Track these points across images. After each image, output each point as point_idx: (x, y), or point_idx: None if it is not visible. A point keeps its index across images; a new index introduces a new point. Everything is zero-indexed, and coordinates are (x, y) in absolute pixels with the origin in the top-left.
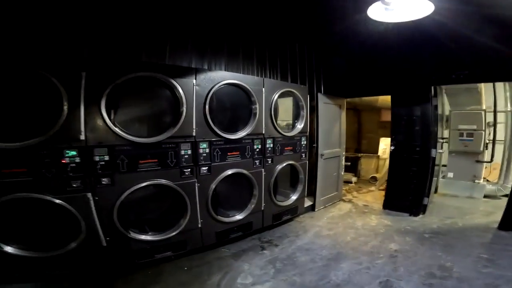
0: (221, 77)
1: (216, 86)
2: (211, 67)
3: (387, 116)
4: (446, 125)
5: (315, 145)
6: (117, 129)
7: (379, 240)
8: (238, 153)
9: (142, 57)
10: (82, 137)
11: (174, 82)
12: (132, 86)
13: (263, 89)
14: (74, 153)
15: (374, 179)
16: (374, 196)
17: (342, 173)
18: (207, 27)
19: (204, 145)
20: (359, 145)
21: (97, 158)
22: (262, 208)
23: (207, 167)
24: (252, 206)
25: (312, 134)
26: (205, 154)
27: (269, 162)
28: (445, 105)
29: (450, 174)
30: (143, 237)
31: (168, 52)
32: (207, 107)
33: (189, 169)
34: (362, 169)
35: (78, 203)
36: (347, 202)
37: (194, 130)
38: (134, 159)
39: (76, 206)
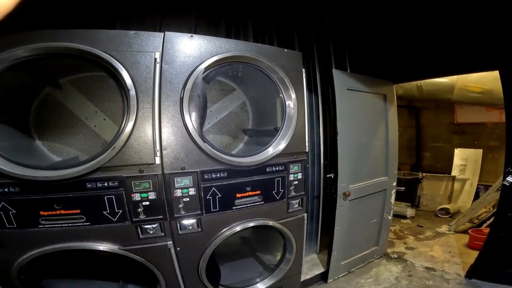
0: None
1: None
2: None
3: (465, 116)
4: None
5: (331, 175)
6: None
7: None
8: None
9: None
10: None
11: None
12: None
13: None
14: None
15: (446, 212)
16: (447, 246)
17: (390, 217)
18: None
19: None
20: (418, 159)
21: None
22: None
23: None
24: None
25: (326, 153)
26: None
27: (189, 226)
28: None
29: None
30: None
31: None
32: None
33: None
34: (424, 196)
35: None
36: (394, 260)
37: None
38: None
39: None
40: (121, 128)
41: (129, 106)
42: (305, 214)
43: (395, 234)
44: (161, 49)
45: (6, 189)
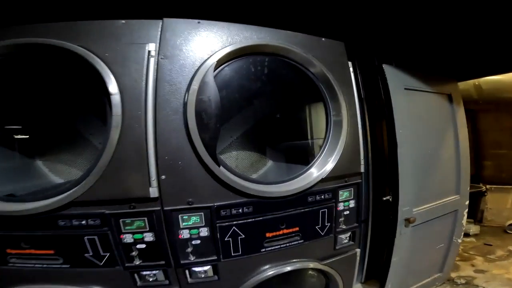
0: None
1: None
2: None
3: None
4: None
5: (389, 197)
6: None
7: None
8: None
9: None
10: None
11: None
12: None
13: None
14: None
15: None
16: None
17: (460, 240)
18: None
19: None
20: (478, 169)
21: None
22: None
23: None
24: None
25: (376, 169)
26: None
27: (201, 274)
28: None
29: None
30: None
31: None
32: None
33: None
34: (488, 211)
35: None
36: (461, 286)
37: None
38: None
39: None
40: (101, 149)
41: (112, 117)
42: (358, 250)
43: (458, 256)
44: (158, 39)
45: None
